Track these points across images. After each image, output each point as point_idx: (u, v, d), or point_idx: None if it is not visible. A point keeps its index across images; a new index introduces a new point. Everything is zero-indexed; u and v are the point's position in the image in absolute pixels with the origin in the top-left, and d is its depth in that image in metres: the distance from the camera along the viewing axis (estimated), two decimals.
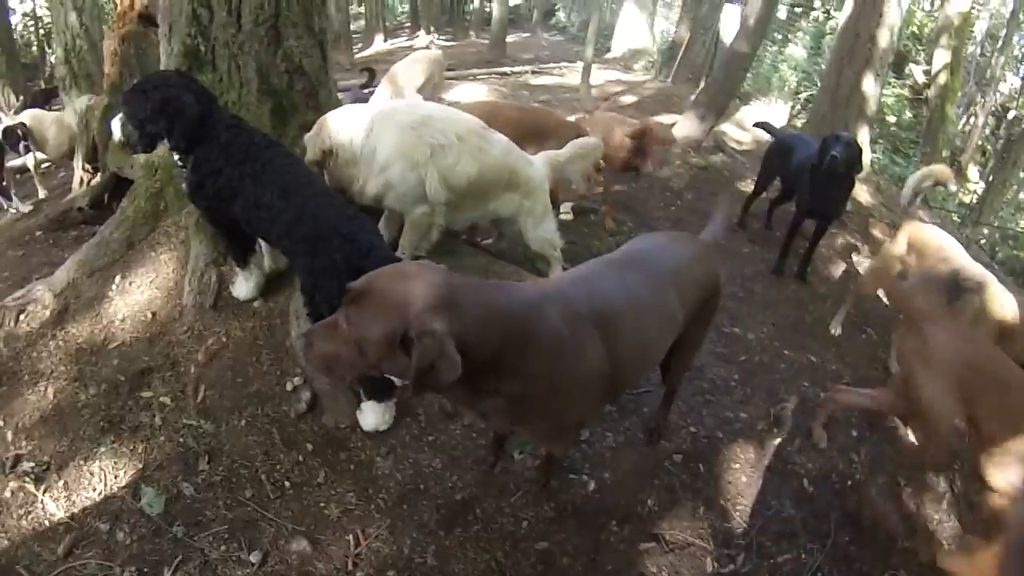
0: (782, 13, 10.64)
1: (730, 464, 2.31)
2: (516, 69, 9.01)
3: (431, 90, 5.40)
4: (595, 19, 8.00)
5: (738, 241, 4.09)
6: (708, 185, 4.89)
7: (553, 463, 2.02)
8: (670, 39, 10.69)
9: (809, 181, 3.52)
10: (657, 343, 1.67)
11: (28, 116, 4.32)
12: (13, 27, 9.07)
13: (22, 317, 2.37)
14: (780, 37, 11.07)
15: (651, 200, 4.50)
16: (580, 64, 7.92)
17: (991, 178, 9.35)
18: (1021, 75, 12.13)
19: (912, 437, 2.44)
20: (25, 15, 11.52)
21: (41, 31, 11.25)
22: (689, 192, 4.69)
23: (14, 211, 3.98)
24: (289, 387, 2.16)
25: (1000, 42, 11.37)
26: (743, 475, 2.27)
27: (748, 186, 4.67)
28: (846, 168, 3.36)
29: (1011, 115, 10.54)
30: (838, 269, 4.19)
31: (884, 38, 5.74)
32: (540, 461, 2.05)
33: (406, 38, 12.20)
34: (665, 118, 6.10)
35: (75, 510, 1.84)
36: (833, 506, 2.21)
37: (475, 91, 7.21)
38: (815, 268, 3.93)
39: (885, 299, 3.40)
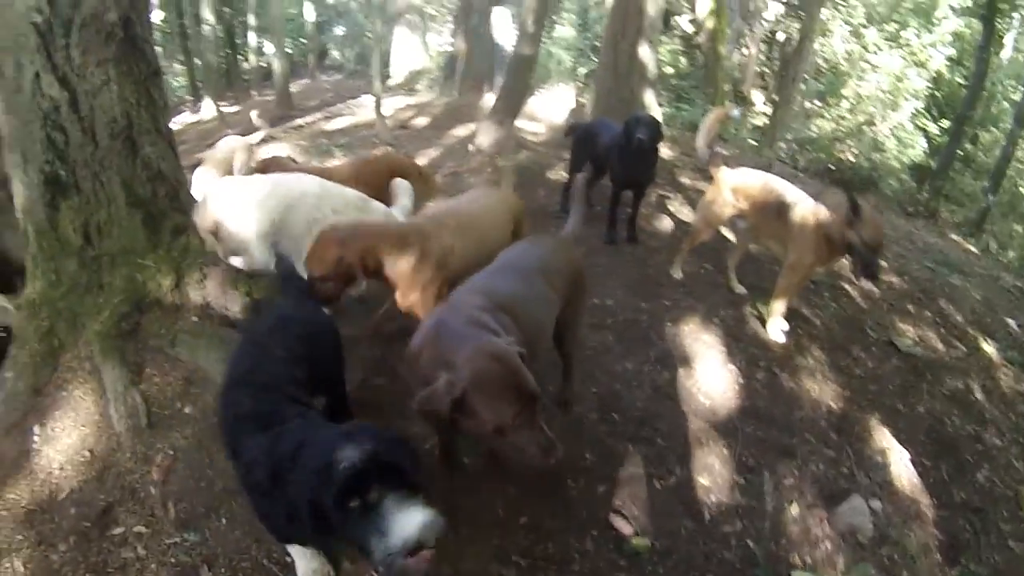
0: None
1: (634, 405, 2.90)
2: (308, 119, 9.03)
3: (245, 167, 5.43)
4: (376, 52, 8.18)
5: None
6: (525, 183, 5.32)
7: None
8: (448, 53, 10.94)
9: (619, 159, 4.15)
10: (544, 319, 2.17)
11: None
12: None
13: None
14: (547, 22, 11.82)
15: None
16: (366, 99, 8.23)
17: (776, 98, 10.22)
18: None
19: None
20: None
21: None
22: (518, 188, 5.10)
23: None
24: None
25: None
26: (649, 411, 2.87)
27: (558, 173, 5.30)
28: (651, 144, 4.04)
29: (781, 37, 11.75)
30: (660, 222, 4.99)
31: (652, 7, 6.55)
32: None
33: (190, 112, 11.49)
34: (462, 129, 6.51)
35: None
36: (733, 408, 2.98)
37: (277, 150, 7.18)
38: (641, 228, 4.63)
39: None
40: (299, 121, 8.86)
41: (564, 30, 11.97)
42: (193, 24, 12.57)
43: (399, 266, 2.39)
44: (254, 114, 6.54)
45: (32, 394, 2.44)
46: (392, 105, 9.00)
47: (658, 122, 4.16)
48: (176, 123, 11.21)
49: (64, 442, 2.36)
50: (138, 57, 2.41)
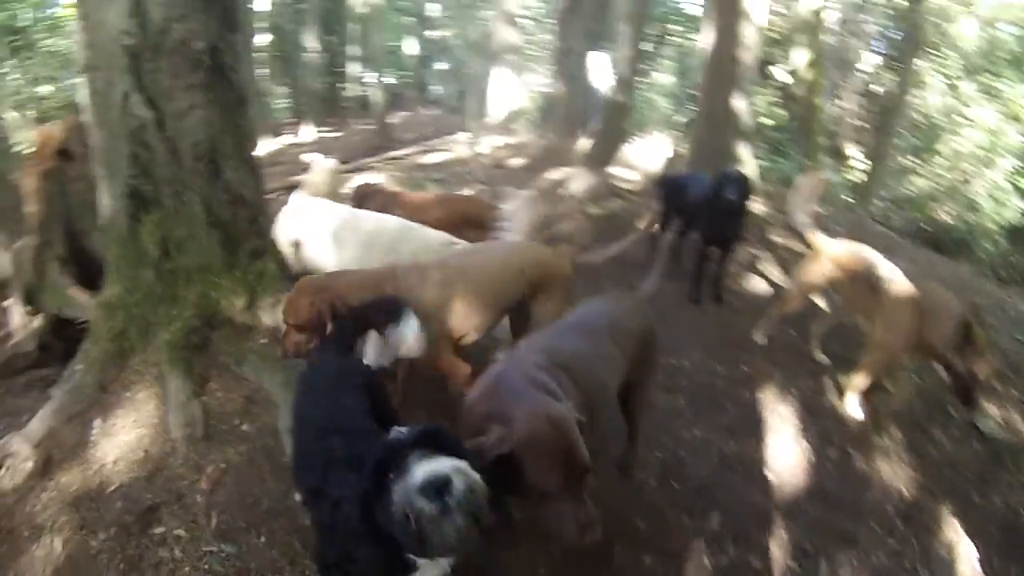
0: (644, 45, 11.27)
1: (697, 474, 2.73)
2: (406, 151, 9.19)
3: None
4: (473, 91, 8.36)
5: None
6: (614, 232, 5.16)
7: None
8: (547, 94, 10.98)
9: (707, 216, 4.00)
10: (607, 379, 2.09)
11: None
12: None
13: (2, 472, 2.37)
14: (646, 68, 11.71)
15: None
16: (464, 136, 8.32)
17: (873, 153, 9.89)
18: (877, 49, 12.66)
19: None
20: None
21: None
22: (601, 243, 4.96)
23: None
24: (298, 498, 2.26)
25: (851, 26, 11.88)
26: (711, 481, 2.70)
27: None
28: (740, 203, 3.86)
29: (877, 89, 11.18)
30: (748, 281, 4.72)
31: (746, 57, 6.32)
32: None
33: (291, 134, 12.33)
34: (556, 172, 6.51)
35: None
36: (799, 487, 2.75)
37: (372, 180, 7.55)
38: (727, 287, 4.39)
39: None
40: (395, 153, 9.20)
41: (663, 76, 11.88)
42: (296, 50, 13.50)
43: None
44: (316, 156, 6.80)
45: (98, 389, 2.58)
46: (488, 143, 9.07)
47: (748, 179, 4.00)
48: (276, 143, 12.19)
49: (121, 439, 2.47)
50: (225, 85, 2.58)
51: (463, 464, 1.23)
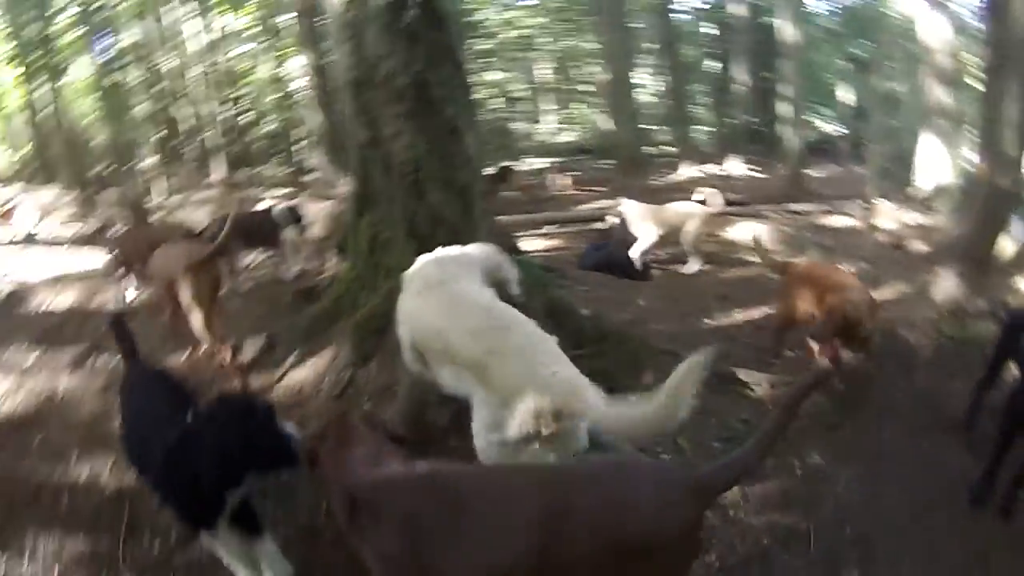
0: None
1: None
2: (806, 207, 8.34)
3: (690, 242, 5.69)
4: (874, 151, 6.82)
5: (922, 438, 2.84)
6: (952, 364, 3.49)
7: None
8: (969, 172, 8.01)
9: None
10: None
11: (298, 203, 5.71)
12: None
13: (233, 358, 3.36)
14: None
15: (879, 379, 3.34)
16: (879, 203, 7.32)
17: None
18: None
19: None
20: None
21: None
22: (922, 371, 3.43)
23: (288, 274, 5.16)
24: None
25: None
26: None
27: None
28: None
29: None
30: None
31: None
32: None
33: (714, 164, 11.94)
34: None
35: None
36: None
37: (754, 231, 6.86)
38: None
39: None
40: (796, 207, 8.26)
41: None
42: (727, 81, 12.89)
43: None
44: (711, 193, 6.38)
45: (308, 333, 3.36)
46: (898, 218, 7.48)
47: None
48: (694, 170, 12.35)
49: (299, 372, 3.18)
50: (432, 115, 2.86)
51: None
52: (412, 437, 2.37)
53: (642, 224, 5.65)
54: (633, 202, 5.88)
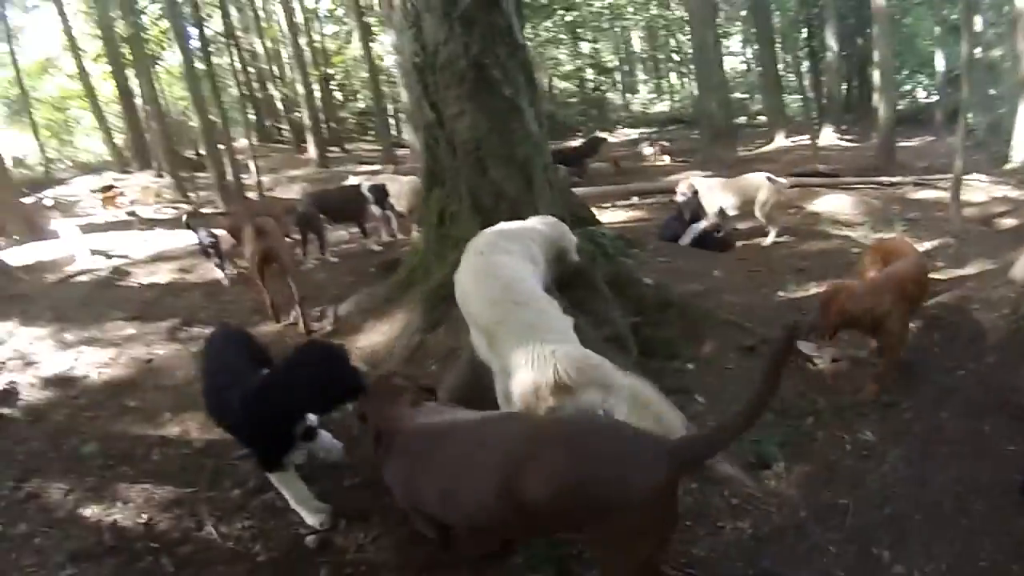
0: None
1: None
2: (895, 180, 7.88)
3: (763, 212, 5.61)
4: (961, 121, 6.16)
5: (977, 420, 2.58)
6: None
7: None
8: None
9: None
10: None
11: (385, 178, 5.99)
12: None
13: (324, 322, 3.81)
14: None
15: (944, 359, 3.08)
16: (976, 176, 6.93)
17: None
18: None
19: None
20: None
21: None
22: (994, 352, 2.99)
23: (375, 247, 5.62)
24: None
25: None
26: None
27: None
28: None
29: None
30: None
31: None
32: None
33: (808, 137, 11.28)
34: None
35: None
36: None
37: (839, 203, 6.70)
38: None
39: None
40: (884, 179, 7.83)
41: None
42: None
43: None
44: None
45: (384, 300, 3.72)
46: (990, 193, 6.99)
47: None
48: (785, 141, 11.86)
49: (372, 337, 3.51)
50: (492, 94, 2.99)
51: None
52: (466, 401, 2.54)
53: (710, 196, 5.61)
54: (700, 176, 5.83)
